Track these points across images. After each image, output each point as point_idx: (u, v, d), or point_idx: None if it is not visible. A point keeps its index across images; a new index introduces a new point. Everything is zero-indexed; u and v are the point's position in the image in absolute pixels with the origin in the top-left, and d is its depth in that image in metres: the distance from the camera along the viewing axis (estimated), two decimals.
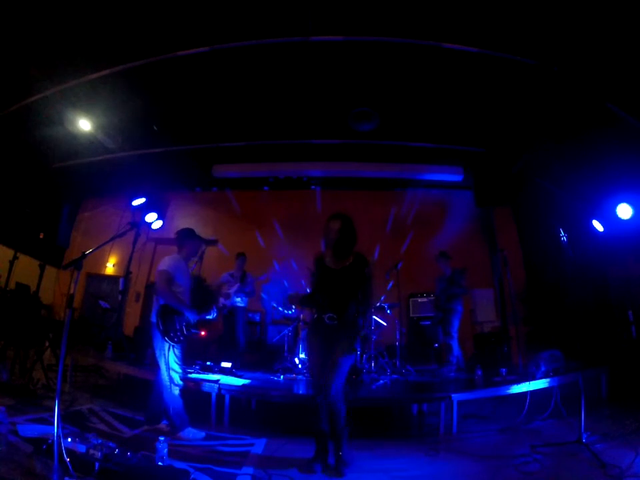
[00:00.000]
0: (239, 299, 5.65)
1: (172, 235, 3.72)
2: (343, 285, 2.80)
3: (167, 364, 3.20)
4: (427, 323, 6.95)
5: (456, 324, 5.32)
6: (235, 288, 5.48)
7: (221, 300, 5.58)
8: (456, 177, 6.90)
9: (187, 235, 3.60)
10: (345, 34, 4.21)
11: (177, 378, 3.23)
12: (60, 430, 2.12)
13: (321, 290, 2.88)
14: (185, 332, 3.27)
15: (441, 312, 5.49)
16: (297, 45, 4.32)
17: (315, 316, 2.87)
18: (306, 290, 2.98)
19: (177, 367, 3.23)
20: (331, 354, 2.69)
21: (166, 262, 3.39)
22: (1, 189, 6.40)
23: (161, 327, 3.19)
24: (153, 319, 3.28)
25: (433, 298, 5.77)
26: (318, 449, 2.73)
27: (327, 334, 2.77)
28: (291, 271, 7.01)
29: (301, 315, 5.65)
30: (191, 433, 3.17)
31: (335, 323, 2.75)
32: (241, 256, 5.89)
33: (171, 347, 3.22)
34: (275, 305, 6.02)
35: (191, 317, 3.33)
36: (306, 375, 4.86)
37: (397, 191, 7.84)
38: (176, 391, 3.20)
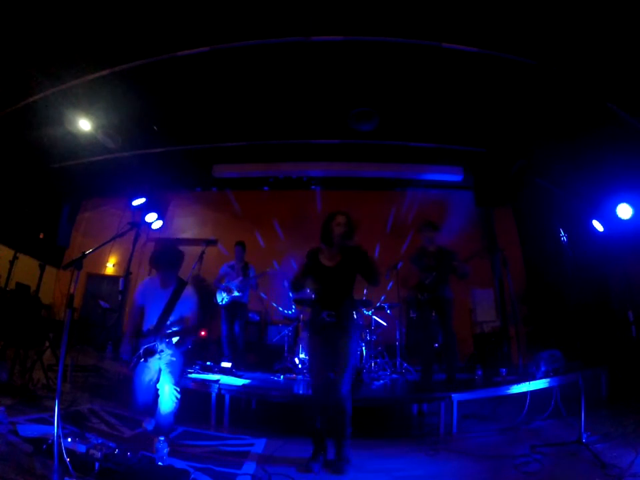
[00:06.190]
0: (240, 294, 5.13)
1: (171, 235, 3.71)
2: (339, 281, 2.81)
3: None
4: None
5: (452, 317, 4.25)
6: (237, 281, 5.09)
7: (219, 294, 5.19)
8: (456, 177, 6.90)
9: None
10: (345, 34, 4.22)
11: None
12: (60, 430, 2.12)
13: (317, 288, 2.89)
14: None
15: (425, 294, 4.16)
16: (296, 44, 4.33)
17: (313, 314, 2.87)
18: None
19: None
20: (336, 352, 2.69)
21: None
22: (1, 189, 6.40)
23: None
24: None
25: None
26: (316, 449, 2.73)
27: (327, 332, 2.77)
28: (291, 271, 7.00)
29: (301, 315, 5.64)
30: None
31: (334, 320, 2.75)
32: (239, 244, 5.29)
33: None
34: (274, 304, 6.01)
35: None
36: (306, 375, 4.85)
37: (397, 190, 7.84)
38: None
